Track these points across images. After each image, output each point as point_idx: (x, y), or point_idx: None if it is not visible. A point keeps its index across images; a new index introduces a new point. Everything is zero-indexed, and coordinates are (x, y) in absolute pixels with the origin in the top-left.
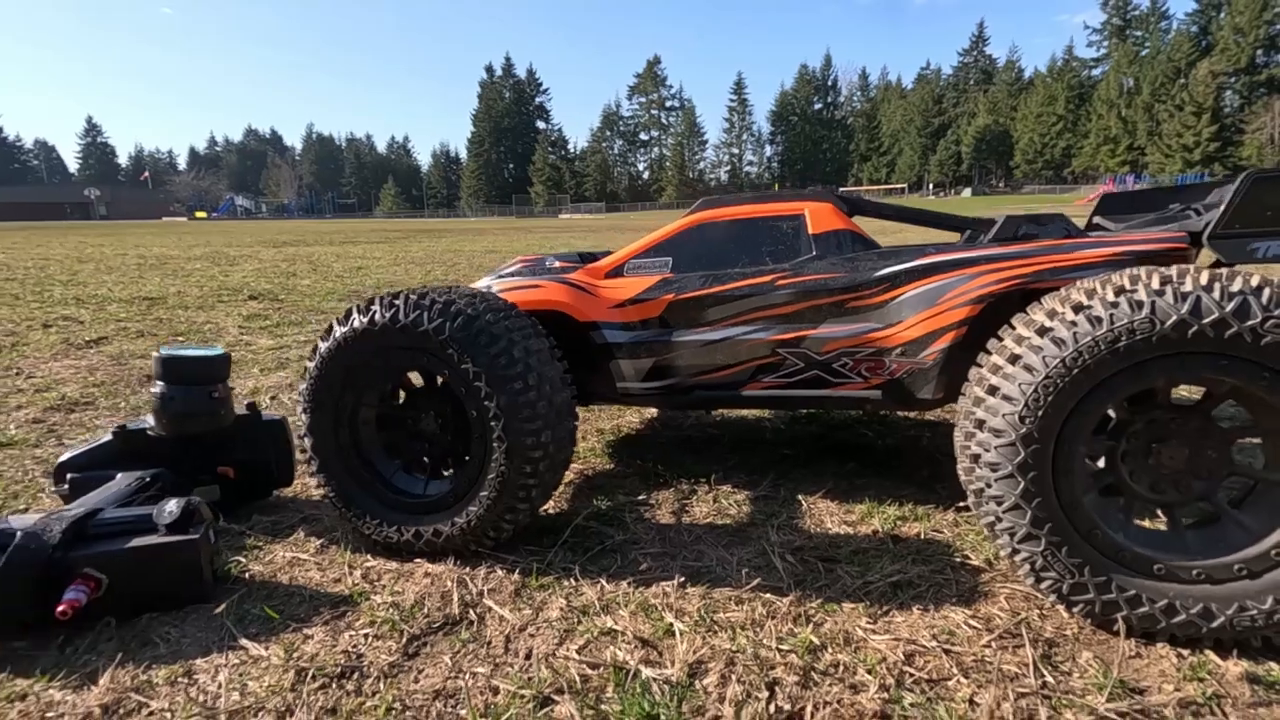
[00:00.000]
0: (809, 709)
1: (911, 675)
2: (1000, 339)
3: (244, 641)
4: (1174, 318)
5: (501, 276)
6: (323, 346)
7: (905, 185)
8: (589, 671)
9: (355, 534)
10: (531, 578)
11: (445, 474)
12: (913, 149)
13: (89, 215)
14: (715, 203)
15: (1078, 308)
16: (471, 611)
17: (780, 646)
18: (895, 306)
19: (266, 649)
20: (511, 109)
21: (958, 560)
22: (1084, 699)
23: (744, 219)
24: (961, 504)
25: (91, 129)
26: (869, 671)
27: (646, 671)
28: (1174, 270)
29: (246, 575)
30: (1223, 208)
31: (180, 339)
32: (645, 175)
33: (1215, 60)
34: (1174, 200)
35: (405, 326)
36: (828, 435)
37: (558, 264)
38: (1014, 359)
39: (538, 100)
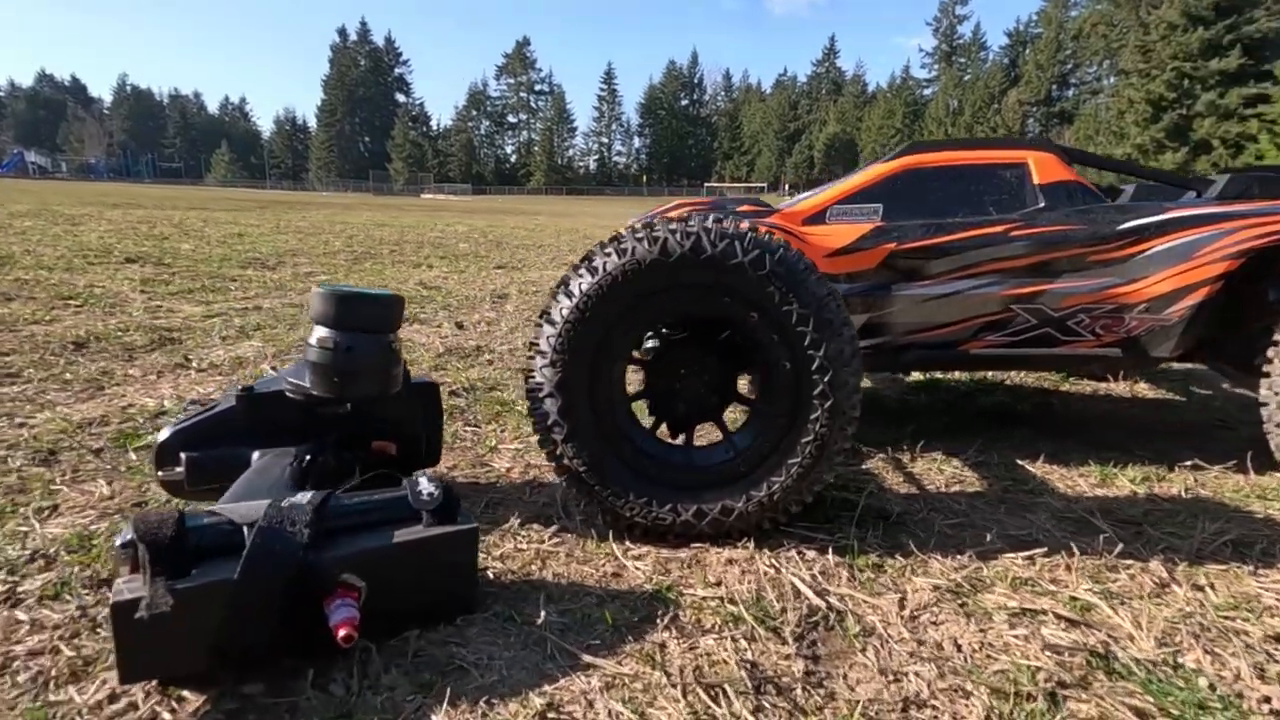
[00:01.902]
0: None
1: None
2: None
3: (586, 658)
4: None
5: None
6: (583, 283)
7: (765, 185)
8: (1058, 657)
9: (606, 516)
10: (854, 557)
11: (710, 443)
12: (770, 151)
13: None
14: (926, 146)
15: None
16: (831, 600)
17: (1216, 613)
18: (1141, 261)
19: (621, 664)
20: (368, 78)
21: (1260, 515)
22: None
23: (962, 165)
24: (1195, 463)
25: None
26: None
27: (1124, 653)
28: None
29: (490, 574)
30: None
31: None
32: (513, 159)
33: (1021, 90)
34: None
35: (712, 259)
36: (959, 404)
37: (744, 207)
38: None
39: (397, 71)
